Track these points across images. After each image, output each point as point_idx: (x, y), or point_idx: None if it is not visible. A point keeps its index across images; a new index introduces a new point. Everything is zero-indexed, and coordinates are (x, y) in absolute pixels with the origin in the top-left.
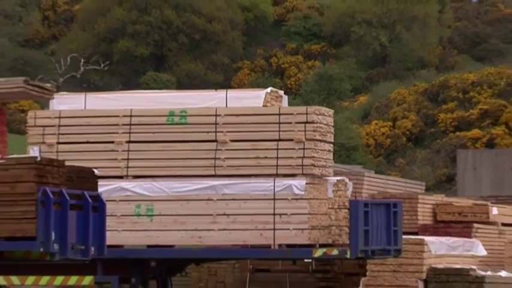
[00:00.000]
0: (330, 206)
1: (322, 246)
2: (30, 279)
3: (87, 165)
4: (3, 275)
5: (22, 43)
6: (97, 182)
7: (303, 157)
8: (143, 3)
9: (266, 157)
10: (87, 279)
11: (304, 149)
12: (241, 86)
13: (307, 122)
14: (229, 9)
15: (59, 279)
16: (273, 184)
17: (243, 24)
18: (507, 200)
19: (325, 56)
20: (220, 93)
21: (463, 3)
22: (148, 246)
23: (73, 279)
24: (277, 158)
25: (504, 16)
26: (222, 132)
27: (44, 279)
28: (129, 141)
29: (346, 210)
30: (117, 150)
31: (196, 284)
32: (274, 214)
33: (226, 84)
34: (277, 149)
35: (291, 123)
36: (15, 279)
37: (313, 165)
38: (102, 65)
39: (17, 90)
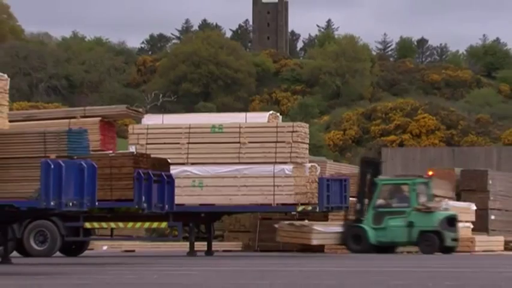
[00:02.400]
0: (307, 181)
1: (302, 204)
2: (130, 224)
3: (163, 156)
4: (114, 222)
5: (125, 85)
6: (169, 166)
7: (291, 152)
8: (197, 62)
9: (269, 152)
10: (163, 224)
11: (291, 147)
12: (254, 110)
13: (293, 132)
14: (247, 65)
15: (146, 224)
16: (273, 168)
17: (256, 74)
18: (412, 177)
19: (304, 93)
20: (242, 115)
21: (385, 61)
22: (200, 204)
23: (155, 224)
24: (275, 152)
25: (409, 69)
26: (243, 137)
27: (138, 224)
28: (189, 143)
29: (316, 184)
30: (181, 148)
31: (228, 227)
32: (274, 185)
33: (245, 109)
34: (276, 147)
35: (283, 132)
36: (120, 224)
37: (297, 156)
38: (172, 98)
39: (122, 113)
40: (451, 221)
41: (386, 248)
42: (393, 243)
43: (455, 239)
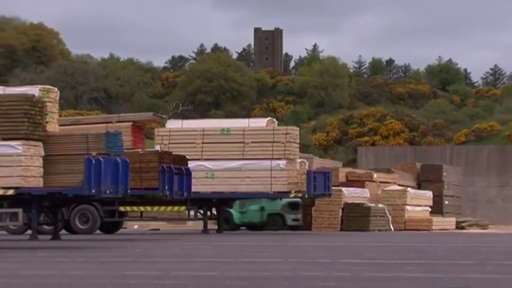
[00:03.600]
0: (297, 173)
1: (294, 192)
2: (156, 208)
3: (182, 153)
4: (143, 206)
5: (152, 96)
6: (187, 161)
7: (285, 150)
8: (209, 78)
9: (267, 150)
10: (182, 208)
11: (285, 146)
12: (255, 116)
13: (286, 134)
14: (250, 80)
15: (169, 208)
16: (270, 163)
17: (256, 87)
18: (381, 170)
19: (295, 102)
20: (245, 120)
21: (360, 77)
22: (212, 192)
23: (176, 208)
24: (272, 150)
25: (380, 83)
26: (246, 138)
27: (162, 208)
28: (203, 143)
29: (305, 175)
30: (197, 147)
31: None
32: (271, 177)
33: (248, 116)
34: (272, 146)
35: (278, 134)
36: (148, 208)
37: (290, 153)
38: (190, 107)
39: (149, 119)
40: (294, 206)
41: (249, 226)
42: (251, 223)
43: (296, 219)
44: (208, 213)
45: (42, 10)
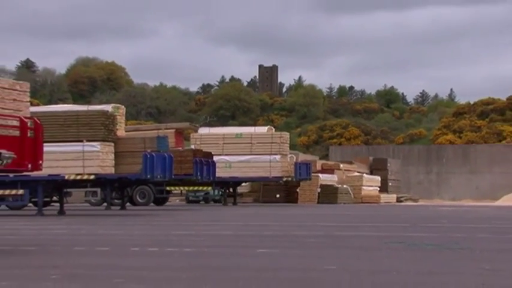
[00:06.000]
0: (288, 164)
1: (285, 177)
2: (191, 187)
3: (209, 150)
4: (182, 186)
5: (188, 111)
6: (213, 156)
7: (279, 148)
8: (228, 99)
9: (267, 148)
10: (209, 188)
11: (279, 145)
12: (259, 125)
13: (280, 137)
14: (255, 101)
15: (200, 187)
16: (269, 157)
17: (260, 105)
18: (345, 162)
19: (287, 116)
20: (252, 128)
21: (331, 99)
22: (229, 177)
23: (204, 188)
24: (271, 148)
25: (344, 103)
26: (253, 140)
27: (195, 187)
28: (223, 143)
29: (293, 166)
30: (219, 146)
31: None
32: (270, 167)
33: (254, 125)
34: (271, 145)
35: (275, 137)
36: (186, 188)
37: (283, 151)
38: (214, 119)
39: (187, 126)
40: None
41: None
42: None
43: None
44: (227, 191)
45: (114, 52)
